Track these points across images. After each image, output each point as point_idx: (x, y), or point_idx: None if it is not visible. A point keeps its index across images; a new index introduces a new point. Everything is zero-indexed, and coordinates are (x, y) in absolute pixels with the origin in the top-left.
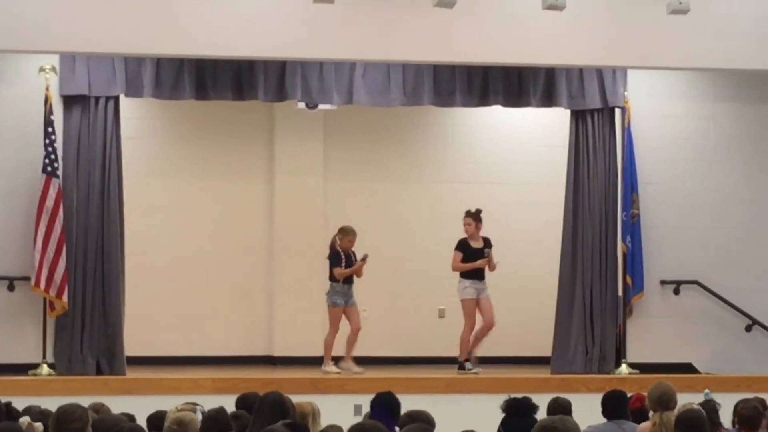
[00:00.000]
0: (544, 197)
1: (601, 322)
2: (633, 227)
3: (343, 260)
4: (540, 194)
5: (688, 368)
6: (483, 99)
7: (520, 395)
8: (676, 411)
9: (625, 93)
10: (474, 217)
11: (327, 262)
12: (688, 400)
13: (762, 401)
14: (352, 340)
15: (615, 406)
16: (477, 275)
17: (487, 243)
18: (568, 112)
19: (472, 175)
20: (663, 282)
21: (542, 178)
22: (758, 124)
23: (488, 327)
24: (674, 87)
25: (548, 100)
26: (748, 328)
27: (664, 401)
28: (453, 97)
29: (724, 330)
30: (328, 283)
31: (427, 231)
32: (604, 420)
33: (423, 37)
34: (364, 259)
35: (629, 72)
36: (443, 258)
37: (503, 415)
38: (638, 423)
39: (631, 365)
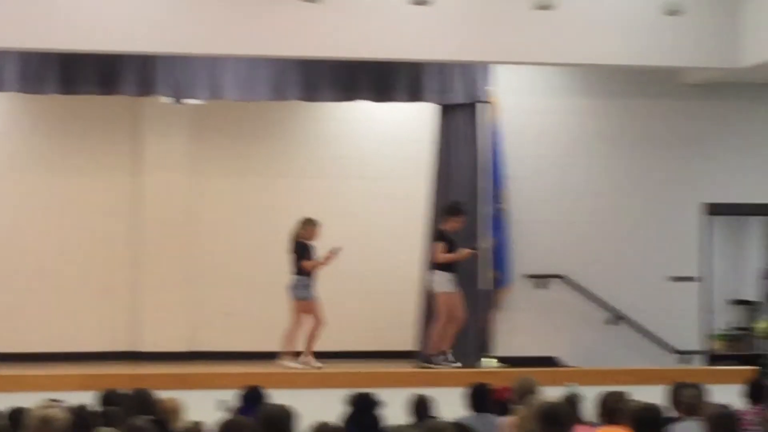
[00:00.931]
0: (409, 192)
1: (468, 316)
2: (500, 222)
3: (310, 252)
4: (405, 189)
5: (552, 361)
6: (350, 94)
7: (365, 390)
8: (538, 404)
9: (491, 88)
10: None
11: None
12: (551, 393)
13: (626, 393)
14: (314, 335)
15: (478, 399)
16: (455, 268)
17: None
18: (434, 106)
19: (338, 170)
20: (529, 276)
21: (407, 173)
22: (622, 119)
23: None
24: (540, 82)
25: (414, 95)
26: (612, 321)
27: (528, 394)
28: (320, 92)
29: (588, 323)
30: (294, 276)
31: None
32: (468, 413)
33: (290, 32)
34: (334, 252)
35: (496, 67)
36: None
37: (350, 410)
38: (502, 416)
39: (497, 359)
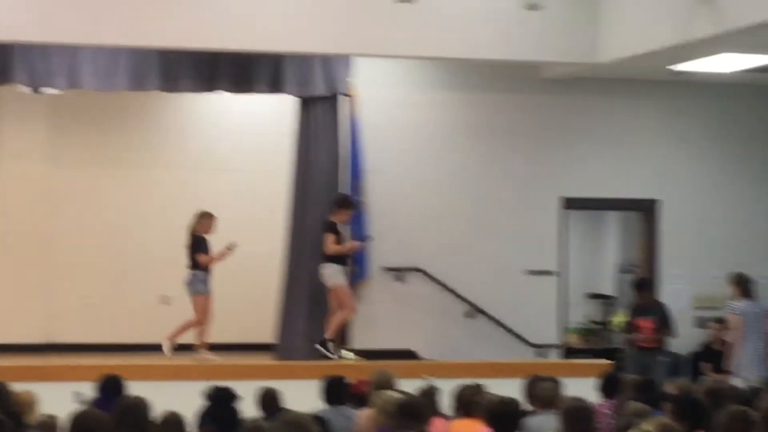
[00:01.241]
0: (270, 184)
1: (325, 309)
2: (359, 214)
3: (206, 246)
4: (265, 181)
5: (410, 355)
6: (210, 85)
7: (222, 383)
8: (396, 397)
9: (352, 81)
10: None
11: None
12: (409, 386)
13: (482, 386)
14: (205, 329)
15: (334, 391)
16: (346, 260)
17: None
18: (295, 99)
19: (198, 162)
20: (387, 269)
21: (268, 165)
22: (482, 112)
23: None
24: (401, 75)
25: (274, 86)
26: (469, 315)
27: (385, 387)
28: (179, 82)
29: (446, 316)
30: (190, 271)
31: (155, 217)
32: (325, 406)
33: (149, 22)
34: (230, 248)
35: (357, 60)
36: (172, 244)
37: (207, 403)
38: (360, 409)
39: (356, 352)
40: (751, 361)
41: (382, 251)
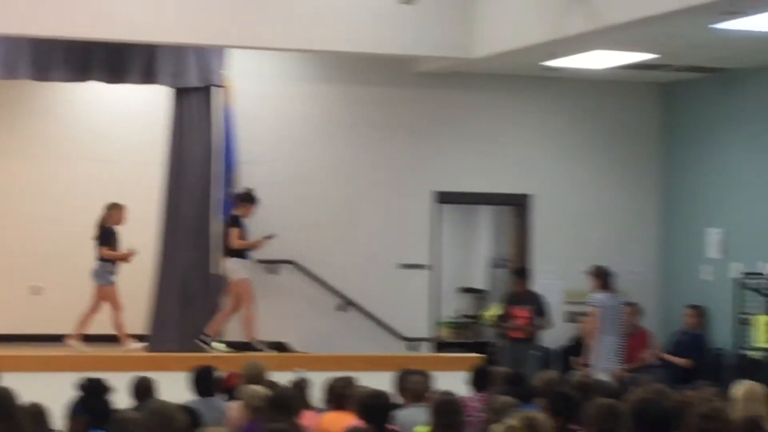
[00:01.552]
0: (143, 175)
1: (198, 301)
2: (232, 206)
3: (113, 238)
4: (139, 172)
5: (282, 347)
6: (82, 74)
7: (94, 375)
8: (267, 389)
9: (226, 72)
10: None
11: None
12: (280, 378)
13: (354, 379)
14: (89, 320)
15: (203, 383)
16: (248, 254)
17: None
18: (169, 89)
19: (71, 151)
20: (260, 261)
21: (142, 156)
22: (356, 105)
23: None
24: (276, 67)
25: (149, 77)
26: (341, 308)
27: (256, 380)
28: (52, 71)
29: (318, 309)
30: (97, 262)
31: (25, 207)
32: (194, 397)
33: (22, 10)
34: (131, 253)
35: (233, 52)
36: (42, 234)
37: (79, 394)
38: (231, 400)
39: (227, 344)
40: (608, 353)
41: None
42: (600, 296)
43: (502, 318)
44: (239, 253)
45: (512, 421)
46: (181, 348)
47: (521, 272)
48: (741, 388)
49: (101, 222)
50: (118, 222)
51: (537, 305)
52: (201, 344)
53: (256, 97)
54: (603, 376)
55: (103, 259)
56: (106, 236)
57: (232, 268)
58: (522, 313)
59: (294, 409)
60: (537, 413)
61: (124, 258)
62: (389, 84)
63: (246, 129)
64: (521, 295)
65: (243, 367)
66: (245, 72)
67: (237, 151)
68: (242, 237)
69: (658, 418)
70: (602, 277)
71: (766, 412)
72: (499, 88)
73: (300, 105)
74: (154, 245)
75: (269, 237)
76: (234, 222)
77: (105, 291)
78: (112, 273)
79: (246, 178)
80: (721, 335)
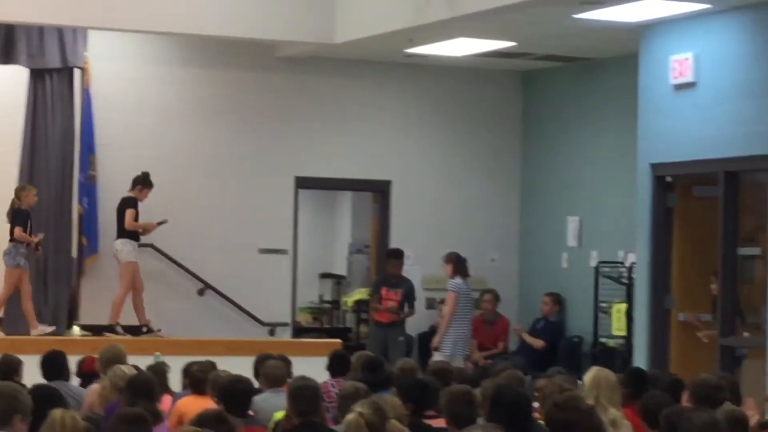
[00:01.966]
0: (1, 158)
1: (55, 284)
2: (90, 189)
3: (25, 219)
4: None
5: (140, 331)
6: None
7: None
8: (124, 373)
9: (86, 53)
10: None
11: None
12: (139, 362)
13: (213, 364)
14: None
15: (53, 367)
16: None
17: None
18: (27, 70)
19: None
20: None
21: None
22: (217, 89)
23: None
24: (135, 49)
25: (6, 57)
26: (201, 292)
27: (114, 363)
28: None
29: (178, 293)
30: (9, 243)
31: None
32: (45, 381)
33: None
34: (37, 239)
35: (92, 33)
36: None
37: None
38: (88, 385)
39: (84, 327)
40: (464, 339)
41: (111, 227)
42: (458, 282)
43: (372, 300)
44: (132, 236)
45: (362, 407)
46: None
47: (397, 254)
48: (589, 374)
49: (12, 203)
50: (29, 204)
51: (407, 290)
52: (117, 332)
53: (116, 79)
54: (458, 363)
55: (13, 240)
56: (16, 217)
57: (124, 249)
58: (392, 296)
59: (152, 393)
60: (388, 398)
61: (31, 243)
62: (251, 68)
63: (105, 111)
64: (394, 278)
65: (101, 351)
66: (105, 54)
67: (94, 134)
68: (136, 220)
69: (513, 403)
70: (458, 264)
71: (614, 398)
72: (361, 74)
73: (160, 88)
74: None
75: (161, 222)
76: (132, 204)
77: (12, 273)
78: (21, 254)
79: (103, 161)
80: (581, 323)
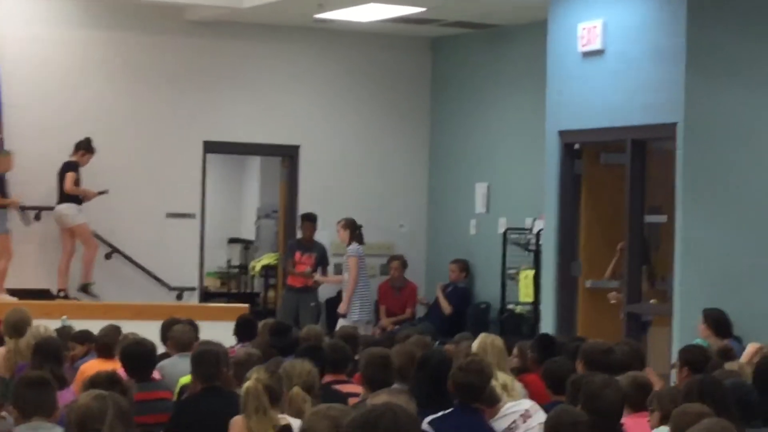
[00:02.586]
0: None
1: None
2: None
3: (5, 186)
4: None
5: (48, 294)
6: None
7: None
8: (31, 336)
9: None
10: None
11: None
12: (46, 325)
13: (118, 328)
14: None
15: None
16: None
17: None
18: None
19: None
20: (24, 208)
21: None
22: (126, 52)
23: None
24: (42, 11)
25: None
26: (108, 256)
27: (20, 328)
28: None
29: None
30: None
31: None
32: None
33: None
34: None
35: None
36: None
37: None
38: None
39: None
40: (363, 304)
41: (19, 189)
42: (357, 247)
43: (287, 264)
44: (75, 199)
45: (258, 372)
46: None
47: (312, 218)
48: (476, 341)
49: None
50: (8, 169)
51: (320, 254)
52: (88, 293)
53: (22, 40)
54: (364, 329)
55: None
56: None
57: (70, 213)
58: (306, 260)
59: (59, 357)
60: (298, 363)
61: (9, 205)
62: (159, 32)
63: (9, 72)
64: (307, 243)
65: (6, 314)
66: (10, 16)
67: (1, 96)
68: (77, 184)
69: (437, 367)
70: (354, 229)
71: (502, 363)
72: (270, 38)
73: (67, 50)
74: None
75: (102, 192)
76: (73, 167)
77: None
78: (4, 219)
79: (9, 122)
80: (489, 289)
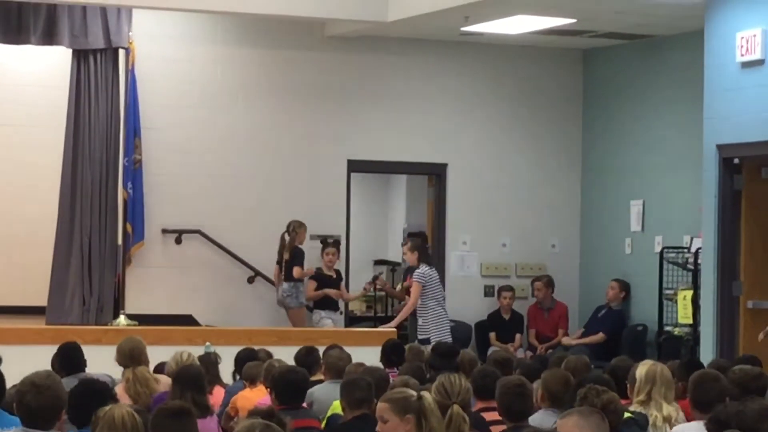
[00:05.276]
0: (44, 140)
1: (100, 271)
2: (135, 173)
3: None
4: (39, 137)
5: (189, 320)
6: None
7: None
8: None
9: (130, 33)
10: None
11: None
12: (190, 351)
13: (268, 353)
14: None
15: (69, 358)
16: None
17: None
18: (70, 51)
19: None
20: (165, 231)
21: (42, 121)
22: (265, 70)
23: None
24: (180, 29)
25: (49, 38)
26: (250, 280)
27: (135, 356)
28: None
29: (227, 281)
30: None
31: None
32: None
33: None
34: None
35: (136, 12)
36: None
37: None
38: None
39: (130, 316)
40: (439, 326)
41: (158, 212)
42: (422, 272)
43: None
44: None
45: (425, 392)
46: (81, 321)
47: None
48: (641, 368)
49: (290, 241)
50: (302, 241)
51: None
52: None
53: (161, 60)
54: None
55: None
56: (298, 257)
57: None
58: None
59: (202, 385)
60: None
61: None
62: (300, 48)
63: (149, 93)
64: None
65: (120, 343)
66: (149, 34)
67: (138, 116)
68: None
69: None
70: (422, 251)
71: (669, 394)
72: (415, 53)
73: (206, 69)
74: (55, 214)
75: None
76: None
77: (297, 314)
78: (298, 293)
79: (149, 144)
80: (644, 311)
